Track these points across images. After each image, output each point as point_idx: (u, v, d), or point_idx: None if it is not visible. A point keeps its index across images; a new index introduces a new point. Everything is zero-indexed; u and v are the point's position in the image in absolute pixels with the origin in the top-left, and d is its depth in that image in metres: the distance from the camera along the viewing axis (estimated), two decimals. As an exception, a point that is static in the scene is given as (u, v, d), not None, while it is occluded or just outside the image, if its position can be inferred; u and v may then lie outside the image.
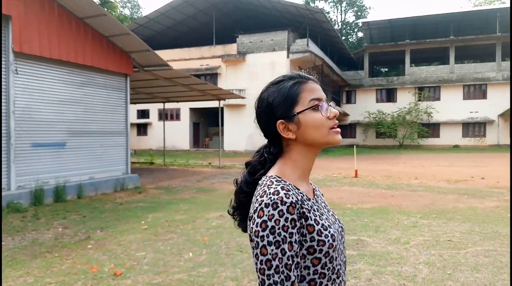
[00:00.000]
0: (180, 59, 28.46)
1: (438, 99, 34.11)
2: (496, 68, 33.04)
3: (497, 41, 32.95)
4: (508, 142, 31.66)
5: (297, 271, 0.90)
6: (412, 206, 7.77)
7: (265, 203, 0.90)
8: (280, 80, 1.06)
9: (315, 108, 1.00)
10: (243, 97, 18.16)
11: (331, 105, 1.04)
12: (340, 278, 1.02)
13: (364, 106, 35.46)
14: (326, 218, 1.01)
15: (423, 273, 3.97)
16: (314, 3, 49.63)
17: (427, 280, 3.78)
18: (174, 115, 29.98)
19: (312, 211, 0.97)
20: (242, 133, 26.90)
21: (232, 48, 27.97)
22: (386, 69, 49.42)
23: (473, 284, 3.66)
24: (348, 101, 37.17)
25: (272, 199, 0.90)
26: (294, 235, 0.89)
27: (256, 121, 1.09)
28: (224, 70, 28.13)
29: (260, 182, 1.01)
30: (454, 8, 49.88)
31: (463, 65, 35.50)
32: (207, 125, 32.77)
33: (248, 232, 0.94)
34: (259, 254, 0.88)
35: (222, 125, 25.88)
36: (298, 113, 1.00)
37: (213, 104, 25.27)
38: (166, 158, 18.73)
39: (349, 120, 35.59)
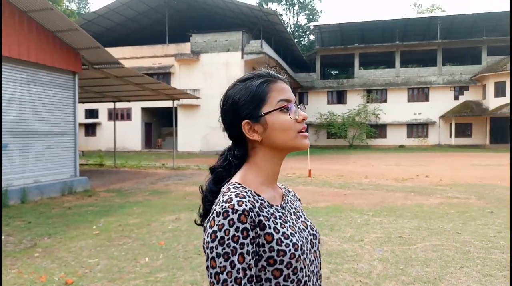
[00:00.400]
0: (132, 57, 27.62)
1: (385, 101, 35.74)
2: (437, 72, 35.14)
3: (438, 47, 35.07)
4: (448, 142, 33.80)
5: (250, 285, 0.83)
6: (364, 204, 8.05)
7: (217, 212, 0.85)
8: (248, 77, 0.99)
9: (284, 109, 0.94)
10: (197, 97, 17.99)
11: (300, 108, 0.98)
12: None
13: (316, 108, 36.32)
14: (290, 226, 0.94)
15: (378, 269, 4.12)
16: (267, 4, 50.17)
17: (381, 276, 3.93)
18: (125, 115, 29.05)
19: (272, 218, 0.91)
20: (197, 134, 26.61)
21: (185, 47, 27.59)
22: (337, 72, 50.99)
23: (424, 278, 3.85)
24: (301, 102, 36.77)
25: (223, 207, 0.84)
26: (246, 246, 0.82)
27: (220, 120, 1.02)
28: (177, 69, 27.68)
29: (222, 189, 0.95)
30: (399, 15, 52.45)
31: (408, 69, 37.46)
32: (160, 125, 32.07)
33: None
34: (209, 266, 0.83)
35: (176, 125, 25.45)
36: (265, 113, 0.94)
37: (166, 104, 24.77)
38: (117, 159, 18.09)
39: (302, 121, 36.28)
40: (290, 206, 1.04)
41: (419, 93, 35.47)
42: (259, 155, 0.98)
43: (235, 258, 0.81)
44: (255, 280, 0.86)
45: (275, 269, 0.87)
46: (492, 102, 31.56)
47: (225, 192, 0.90)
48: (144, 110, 29.14)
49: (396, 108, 34.98)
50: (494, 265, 4.16)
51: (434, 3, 54.06)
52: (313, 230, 1.03)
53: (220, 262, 0.81)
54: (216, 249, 0.82)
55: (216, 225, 0.83)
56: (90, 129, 30.73)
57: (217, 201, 0.90)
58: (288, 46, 35.03)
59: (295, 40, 45.16)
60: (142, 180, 12.41)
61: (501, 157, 22.55)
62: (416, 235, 5.50)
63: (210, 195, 0.99)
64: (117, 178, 13.04)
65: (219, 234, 0.82)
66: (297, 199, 1.14)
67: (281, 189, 1.08)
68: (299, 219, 1.02)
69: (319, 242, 1.04)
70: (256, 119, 0.94)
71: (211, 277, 0.82)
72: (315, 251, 1.01)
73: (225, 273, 0.81)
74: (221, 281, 0.81)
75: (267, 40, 28.96)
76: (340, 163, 19.14)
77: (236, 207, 0.84)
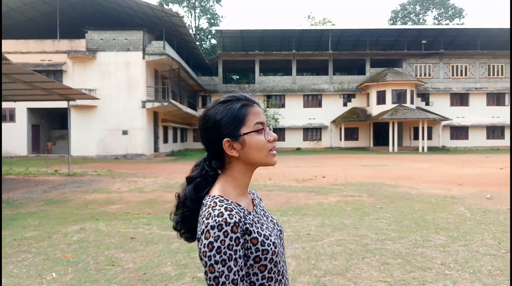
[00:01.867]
0: (16, 51, 24.74)
1: (283, 106, 37.73)
2: (328, 81, 38.19)
3: (329, 57, 38.14)
4: (339, 145, 36.92)
5: (243, 284, 1.00)
6: (272, 204, 8.44)
7: (211, 225, 0.98)
8: (228, 100, 1.15)
9: (259, 131, 1.11)
10: (96, 99, 16.89)
11: (271, 129, 1.15)
12: (284, 277, 1.14)
13: (219, 111, 36.66)
14: (266, 227, 1.11)
15: (292, 266, 4.40)
16: (168, 5, 49.17)
17: (296, 271, 4.22)
18: (7, 116, 25.81)
19: (254, 224, 1.07)
20: (93, 137, 24.91)
21: (80, 44, 25.63)
22: (238, 77, 52.15)
23: (333, 270, 4.24)
24: (204, 105, 37.86)
25: (217, 221, 0.98)
26: (238, 252, 0.99)
27: (200, 136, 1.17)
28: (70, 67, 25.56)
29: (204, 201, 1.08)
30: (295, 25, 55.75)
31: (303, 77, 40.02)
32: (50, 128, 29.23)
33: (198, 252, 1.02)
34: (208, 272, 0.97)
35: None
36: (244, 134, 1.10)
37: (56, 104, 22.85)
38: None
39: (205, 125, 36.35)
40: (259, 208, 1.21)
41: (313, 99, 38.18)
42: (235, 169, 1.13)
43: (231, 263, 0.97)
44: (247, 276, 1.05)
45: (261, 265, 1.06)
46: (375, 109, 35.41)
47: (213, 206, 1.03)
48: (31, 111, 26.24)
49: (293, 114, 37.15)
50: (389, 254, 4.76)
51: (325, 17, 58.61)
52: (278, 226, 1.22)
53: (219, 268, 0.96)
54: (214, 257, 0.97)
55: (212, 236, 0.98)
56: (-38, 131, 26.71)
57: (205, 214, 1.02)
58: (190, 49, 34.83)
59: (197, 44, 45.07)
60: (33, 189, 11.25)
61: (382, 158, 25.44)
62: (322, 231, 5.97)
63: (190, 203, 1.12)
64: (2, 186, 11.60)
65: (216, 244, 0.97)
66: (260, 199, 1.29)
67: (250, 194, 1.22)
68: (268, 219, 1.20)
69: (283, 235, 1.23)
70: (235, 138, 1.10)
71: (210, 281, 0.97)
72: (282, 244, 1.20)
73: (223, 276, 0.96)
74: (220, 283, 0.96)
75: (169, 41, 28.43)
76: (244, 165, 19.62)
77: (228, 220, 0.99)
